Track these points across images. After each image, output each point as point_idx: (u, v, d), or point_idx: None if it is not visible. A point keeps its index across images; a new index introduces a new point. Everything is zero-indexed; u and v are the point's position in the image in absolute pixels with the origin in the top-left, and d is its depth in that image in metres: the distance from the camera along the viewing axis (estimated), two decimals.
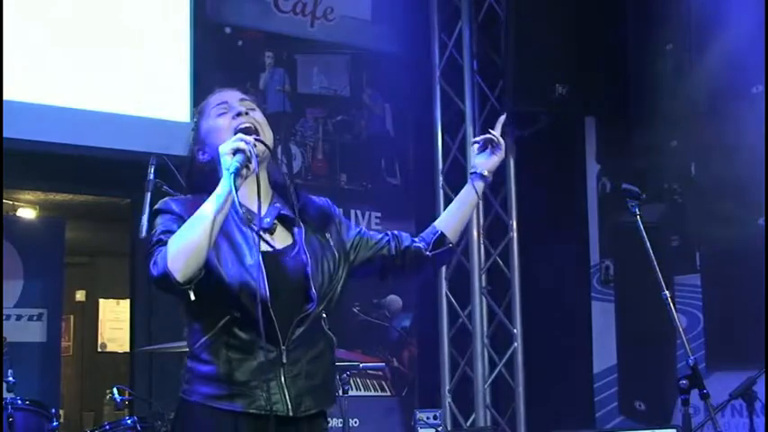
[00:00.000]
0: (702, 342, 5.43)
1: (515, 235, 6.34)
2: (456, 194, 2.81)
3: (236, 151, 2.31)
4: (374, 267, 2.67)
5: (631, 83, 5.85)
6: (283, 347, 2.37)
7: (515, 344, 6.25)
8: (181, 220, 2.38)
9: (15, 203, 7.37)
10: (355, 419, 6.04)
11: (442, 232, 2.70)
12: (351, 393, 4.77)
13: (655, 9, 5.80)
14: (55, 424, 4.52)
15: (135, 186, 4.58)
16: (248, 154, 2.31)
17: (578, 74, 5.79)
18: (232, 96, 2.56)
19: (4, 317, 5.74)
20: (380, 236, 2.69)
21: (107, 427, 4.51)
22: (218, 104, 2.54)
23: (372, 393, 6.39)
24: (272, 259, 2.42)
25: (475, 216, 6.38)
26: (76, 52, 5.48)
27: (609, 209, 5.98)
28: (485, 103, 6.46)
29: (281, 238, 2.49)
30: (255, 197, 2.35)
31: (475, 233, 6.38)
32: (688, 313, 5.52)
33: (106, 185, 5.95)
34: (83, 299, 10.18)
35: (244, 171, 2.30)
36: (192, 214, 2.34)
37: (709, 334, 5.43)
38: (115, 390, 4.69)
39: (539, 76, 5.82)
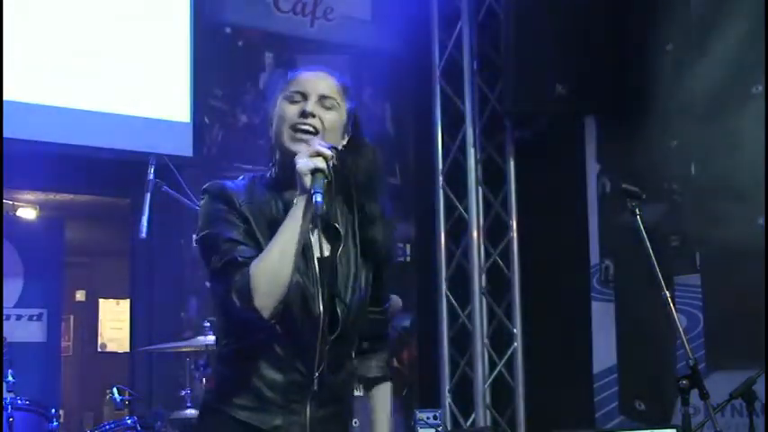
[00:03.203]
0: (702, 342, 5.42)
1: (515, 235, 6.34)
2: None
3: (315, 171, 2.17)
4: None
5: (631, 83, 5.85)
6: (316, 374, 2.27)
7: (515, 344, 6.25)
8: (242, 218, 2.24)
9: (15, 203, 7.37)
10: (355, 419, 6.02)
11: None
12: None
13: (655, 9, 5.79)
14: (55, 424, 4.52)
15: (135, 186, 4.59)
16: (328, 173, 2.17)
17: (578, 74, 5.78)
18: (314, 88, 2.33)
19: (4, 317, 5.75)
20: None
21: (107, 427, 4.51)
22: (295, 91, 2.33)
23: None
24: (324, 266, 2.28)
25: (475, 216, 6.39)
26: (76, 52, 5.48)
27: (609, 209, 5.97)
28: (485, 103, 6.46)
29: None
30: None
31: (475, 233, 6.38)
32: (688, 313, 5.52)
33: (106, 185, 5.95)
34: (83, 299, 10.19)
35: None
36: (253, 201, 2.26)
37: (709, 334, 5.43)
38: (115, 390, 4.69)
39: (539, 76, 5.82)
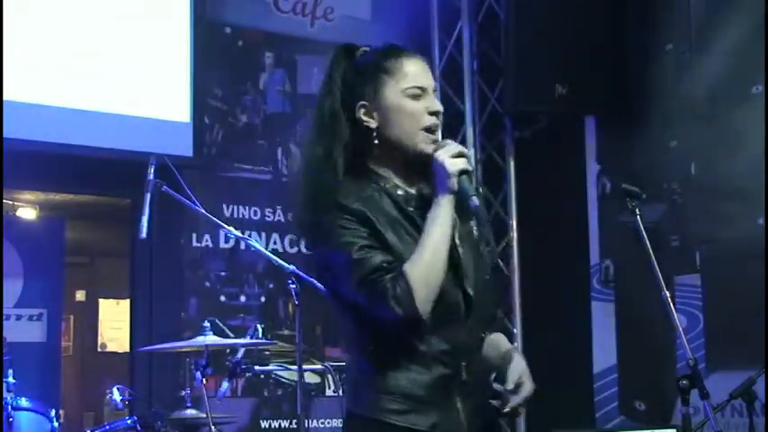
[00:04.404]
0: (702, 342, 5.43)
1: (515, 235, 6.34)
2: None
3: (462, 172, 2.23)
4: None
5: (631, 83, 5.85)
6: (463, 363, 2.22)
7: (515, 344, 6.24)
8: (360, 220, 2.18)
9: (15, 203, 7.37)
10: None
11: None
12: None
13: (655, 9, 5.79)
14: (55, 424, 4.51)
15: (135, 186, 4.58)
16: (471, 171, 2.25)
17: (578, 74, 5.78)
18: (429, 82, 2.36)
19: (4, 317, 5.74)
20: None
21: (107, 427, 4.50)
22: (415, 86, 2.32)
23: None
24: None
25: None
26: (76, 52, 5.48)
27: (609, 209, 5.98)
28: (485, 103, 6.45)
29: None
30: (403, 178, 2.30)
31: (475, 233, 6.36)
32: (688, 313, 5.52)
33: (106, 185, 5.95)
34: (83, 299, 10.19)
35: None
36: (359, 199, 2.20)
37: (709, 334, 5.43)
38: (115, 390, 4.68)
39: (539, 76, 5.82)
